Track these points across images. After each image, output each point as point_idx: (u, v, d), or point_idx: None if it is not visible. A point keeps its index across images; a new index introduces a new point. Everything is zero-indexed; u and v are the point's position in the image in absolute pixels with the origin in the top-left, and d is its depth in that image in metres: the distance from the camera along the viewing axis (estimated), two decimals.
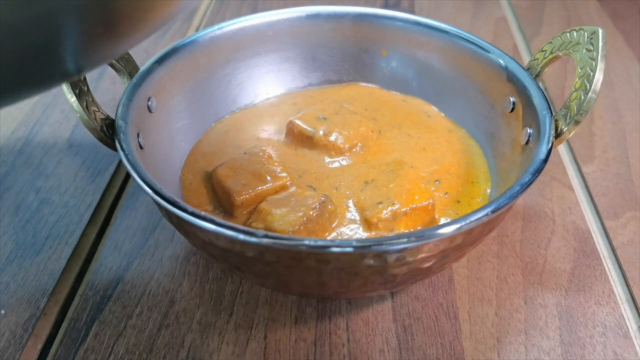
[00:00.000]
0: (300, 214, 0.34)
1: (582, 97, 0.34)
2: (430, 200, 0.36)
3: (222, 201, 0.38)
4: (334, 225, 0.36)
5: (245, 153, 0.41)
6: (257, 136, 0.44)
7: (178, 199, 0.30)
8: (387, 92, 0.48)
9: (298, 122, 0.42)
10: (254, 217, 0.35)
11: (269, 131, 0.44)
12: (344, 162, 0.41)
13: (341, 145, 0.41)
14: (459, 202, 0.38)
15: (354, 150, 0.42)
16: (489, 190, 0.39)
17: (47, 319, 0.36)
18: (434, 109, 0.46)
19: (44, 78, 0.20)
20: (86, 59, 0.20)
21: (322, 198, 0.35)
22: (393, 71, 0.48)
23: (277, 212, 0.34)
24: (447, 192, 0.39)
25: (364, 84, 0.49)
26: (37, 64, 0.18)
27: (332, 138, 0.41)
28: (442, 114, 0.46)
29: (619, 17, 0.68)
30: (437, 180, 0.40)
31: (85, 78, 0.35)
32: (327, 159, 0.41)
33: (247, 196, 0.36)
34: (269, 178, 0.38)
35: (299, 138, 0.42)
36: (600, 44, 0.34)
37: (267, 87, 0.48)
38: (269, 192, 0.37)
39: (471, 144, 0.43)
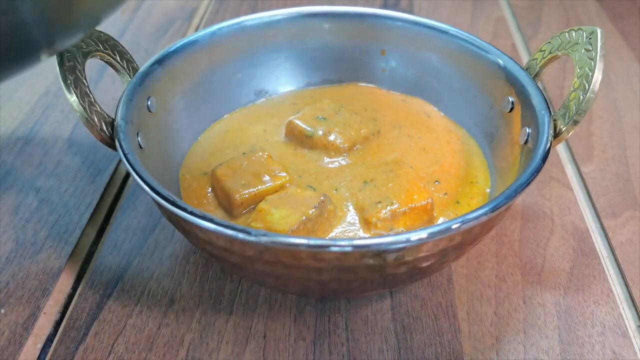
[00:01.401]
0: (300, 213, 0.34)
1: (581, 97, 0.34)
2: (429, 200, 0.36)
3: (222, 201, 0.38)
4: (333, 224, 0.36)
5: (244, 153, 0.41)
6: (256, 136, 0.44)
7: (178, 199, 0.30)
8: (386, 92, 0.48)
9: (297, 122, 0.42)
10: (253, 217, 0.35)
11: (268, 131, 0.44)
12: (343, 162, 0.41)
13: (340, 145, 0.41)
14: (458, 202, 0.38)
15: (354, 150, 0.42)
16: (488, 190, 0.39)
17: (47, 318, 0.36)
18: (433, 108, 0.46)
19: (14, 52, 0.19)
20: (52, 29, 0.20)
21: (322, 198, 0.35)
22: (392, 71, 0.48)
23: (277, 211, 0.34)
24: (446, 193, 0.39)
25: (364, 84, 0.49)
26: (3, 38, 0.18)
27: (332, 138, 0.41)
28: (442, 114, 0.46)
29: (618, 17, 0.68)
30: (436, 181, 0.40)
31: (85, 78, 0.35)
32: (327, 159, 0.41)
33: (246, 196, 0.36)
34: (268, 178, 0.38)
35: (298, 138, 0.42)
36: (599, 43, 0.34)
37: (266, 87, 0.48)
38: (269, 192, 0.37)
39: (471, 144, 0.43)
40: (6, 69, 0.20)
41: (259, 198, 0.37)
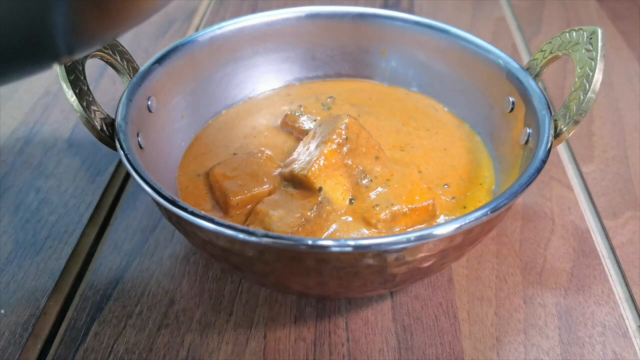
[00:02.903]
0: (298, 215, 0.34)
1: (582, 97, 0.34)
2: (431, 201, 0.36)
3: (218, 200, 0.38)
4: (332, 225, 0.36)
5: (234, 154, 0.41)
6: (244, 135, 0.43)
7: (178, 199, 0.30)
8: (389, 87, 0.48)
9: (295, 115, 0.42)
10: (250, 219, 0.35)
11: (259, 127, 0.44)
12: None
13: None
14: (465, 207, 0.38)
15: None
16: (493, 187, 0.39)
17: (47, 318, 0.36)
18: (437, 102, 0.46)
19: (32, 56, 0.19)
20: (77, 39, 0.20)
21: (320, 198, 0.35)
22: (393, 71, 0.48)
23: (275, 213, 0.34)
24: (454, 197, 0.38)
25: (365, 80, 0.49)
26: (25, 40, 0.18)
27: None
28: (446, 109, 0.45)
29: (618, 17, 0.68)
30: (445, 184, 0.39)
31: (85, 78, 0.35)
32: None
33: (243, 197, 0.36)
34: (266, 180, 0.37)
35: (296, 132, 0.42)
36: (600, 44, 0.34)
37: (267, 86, 0.48)
38: (265, 194, 0.37)
39: (476, 140, 0.43)
40: (16, 71, 0.20)
41: (256, 199, 0.36)
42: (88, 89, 0.35)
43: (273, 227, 0.34)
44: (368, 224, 0.35)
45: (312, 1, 0.48)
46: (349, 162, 0.37)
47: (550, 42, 0.38)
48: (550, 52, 0.37)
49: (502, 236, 0.41)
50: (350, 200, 0.37)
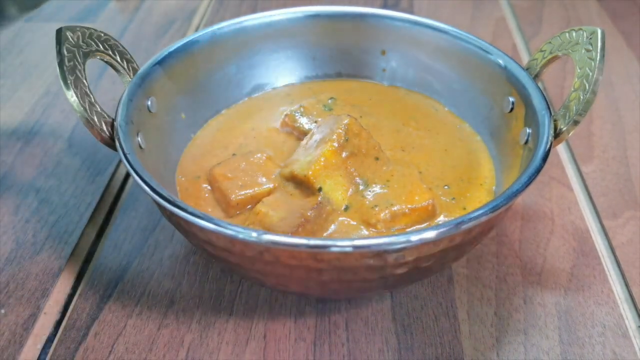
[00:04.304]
0: (298, 215, 0.34)
1: (581, 97, 0.34)
2: (430, 201, 0.36)
3: (219, 201, 0.38)
4: (332, 225, 0.36)
5: (234, 154, 0.40)
6: (244, 135, 0.43)
7: (178, 199, 0.30)
8: (388, 86, 0.48)
9: (295, 115, 0.42)
10: (250, 219, 0.35)
11: (258, 127, 0.44)
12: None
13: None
14: (465, 208, 0.38)
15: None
16: (494, 188, 0.39)
17: (47, 318, 0.36)
18: (437, 102, 0.46)
19: None
20: None
21: (320, 199, 0.35)
22: (393, 71, 0.48)
23: (275, 213, 0.34)
24: (454, 198, 0.38)
25: (365, 80, 0.49)
26: None
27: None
28: (446, 108, 0.45)
29: (618, 17, 0.68)
30: (446, 185, 0.39)
31: (85, 78, 0.35)
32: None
33: (242, 197, 0.36)
34: (265, 179, 0.37)
35: (297, 132, 0.42)
36: (600, 44, 0.34)
37: (266, 86, 0.48)
38: (265, 194, 0.37)
39: (477, 140, 0.43)
40: None
41: (255, 199, 0.36)
42: (88, 89, 0.35)
43: (273, 227, 0.34)
44: (368, 224, 0.35)
45: (312, 1, 0.48)
46: (349, 162, 0.37)
47: (550, 42, 0.38)
48: (550, 52, 0.37)
49: (502, 236, 0.41)
50: (346, 207, 0.36)
